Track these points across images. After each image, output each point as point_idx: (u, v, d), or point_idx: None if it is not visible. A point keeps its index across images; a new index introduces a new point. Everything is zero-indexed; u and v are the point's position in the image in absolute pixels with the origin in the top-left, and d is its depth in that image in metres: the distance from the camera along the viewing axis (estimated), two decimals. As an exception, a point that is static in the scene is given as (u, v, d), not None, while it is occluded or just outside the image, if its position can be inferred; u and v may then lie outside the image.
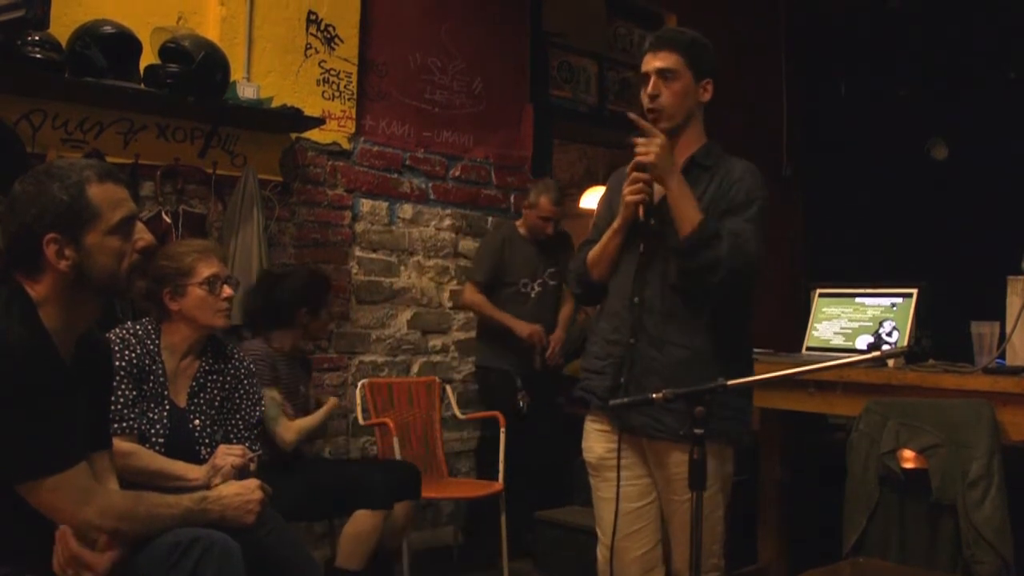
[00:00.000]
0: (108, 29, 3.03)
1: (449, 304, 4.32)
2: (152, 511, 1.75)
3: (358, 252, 3.99)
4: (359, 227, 4.00)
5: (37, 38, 2.86)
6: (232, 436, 2.36)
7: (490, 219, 4.48)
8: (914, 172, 5.31)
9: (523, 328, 3.94)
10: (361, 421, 3.65)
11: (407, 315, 4.16)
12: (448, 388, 4.10)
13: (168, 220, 3.25)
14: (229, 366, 2.43)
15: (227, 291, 2.40)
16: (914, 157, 5.33)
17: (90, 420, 1.74)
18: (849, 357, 1.95)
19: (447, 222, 4.32)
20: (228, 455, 2.20)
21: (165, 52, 3.15)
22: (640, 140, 2.08)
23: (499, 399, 3.94)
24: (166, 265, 2.35)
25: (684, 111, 2.16)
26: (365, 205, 4.02)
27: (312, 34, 3.77)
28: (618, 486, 2.14)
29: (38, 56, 2.86)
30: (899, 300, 3.05)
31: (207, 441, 2.29)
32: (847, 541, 2.58)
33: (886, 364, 2.68)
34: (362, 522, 2.87)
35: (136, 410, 2.20)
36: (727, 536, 2.25)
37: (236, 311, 3.28)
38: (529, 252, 4.07)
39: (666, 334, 2.12)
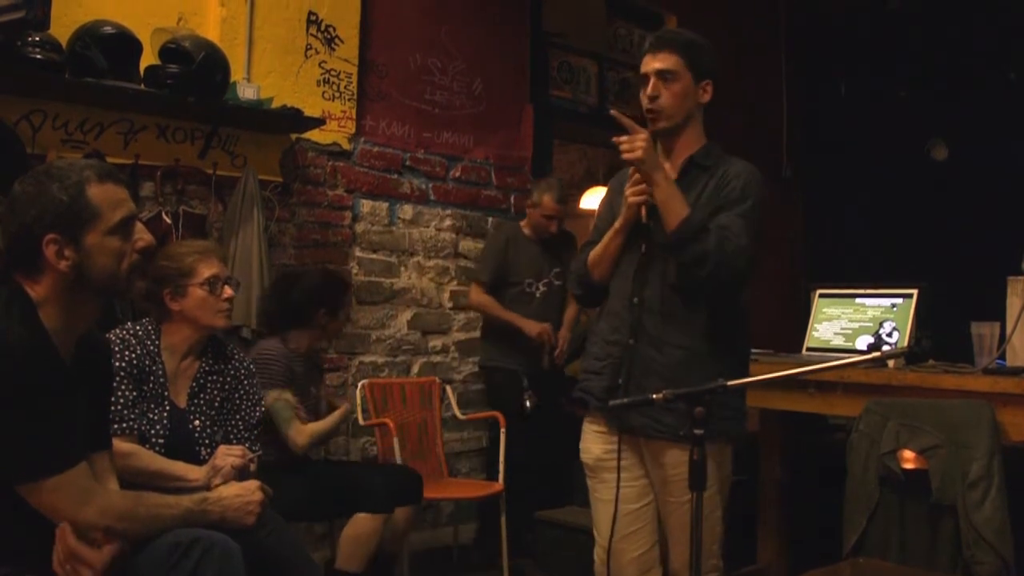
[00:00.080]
0: (108, 30, 3.03)
1: (449, 305, 4.32)
2: (152, 511, 1.75)
3: (358, 253, 3.99)
4: (359, 228, 4.00)
5: (37, 39, 2.86)
6: (232, 437, 2.36)
7: (490, 220, 4.48)
8: (914, 172, 5.31)
9: (532, 327, 3.92)
10: (361, 421, 3.65)
11: (407, 315, 4.16)
12: (448, 388, 4.10)
13: (168, 221, 3.25)
14: (229, 367, 2.43)
15: (228, 291, 2.40)
16: (914, 157, 5.33)
17: (90, 420, 1.74)
18: (849, 358, 1.95)
19: (447, 223, 4.32)
20: (228, 456, 2.20)
21: (165, 53, 3.15)
22: (623, 138, 2.07)
23: (505, 399, 3.93)
24: (167, 266, 2.36)
25: (683, 112, 2.16)
26: (365, 206, 4.02)
27: (312, 35, 3.77)
28: (618, 487, 2.14)
29: (38, 57, 2.87)
30: (899, 301, 3.05)
31: (207, 442, 2.29)
32: (847, 542, 2.58)
33: (886, 365, 2.68)
34: (362, 525, 2.87)
35: (136, 411, 2.20)
36: (726, 536, 2.25)
37: (248, 312, 3.30)
38: (534, 252, 4.06)
39: (665, 334, 2.12)
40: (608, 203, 2.35)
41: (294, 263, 3.71)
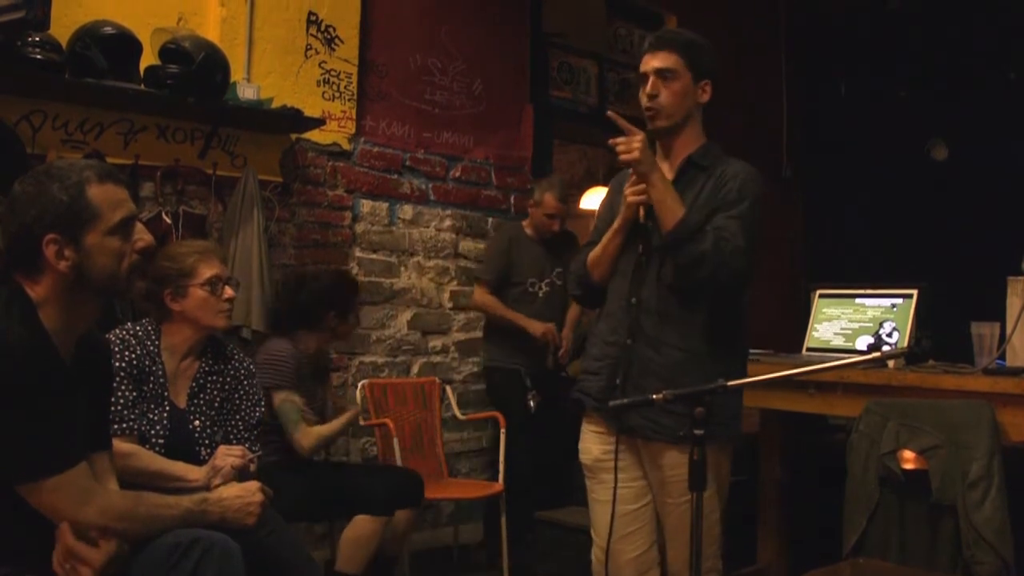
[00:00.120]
0: (108, 30, 3.03)
1: (449, 305, 4.32)
2: (152, 512, 1.75)
3: (358, 253, 3.99)
4: (359, 228, 4.00)
5: (37, 39, 2.86)
6: (232, 437, 2.36)
7: (490, 220, 4.48)
8: (914, 172, 5.31)
9: (537, 327, 3.91)
10: (361, 422, 3.64)
11: (407, 316, 4.16)
12: (448, 389, 4.10)
13: (168, 221, 3.25)
14: (229, 367, 2.43)
15: (228, 292, 2.40)
16: (914, 157, 5.33)
17: (90, 421, 1.74)
18: (849, 358, 1.95)
19: (447, 223, 4.32)
20: (228, 456, 2.20)
21: (165, 53, 3.15)
22: (620, 140, 2.08)
23: (509, 399, 3.92)
24: (167, 266, 2.35)
25: (682, 111, 2.16)
26: (365, 206, 4.02)
27: (312, 35, 3.77)
28: (615, 488, 2.14)
29: (38, 57, 2.87)
30: (899, 301, 3.05)
31: (207, 442, 2.29)
32: (847, 542, 2.58)
33: (886, 365, 2.68)
34: (362, 527, 2.86)
35: (136, 411, 2.20)
36: (726, 537, 2.25)
37: (248, 312, 3.30)
38: (536, 252, 4.04)
39: (663, 335, 2.12)
40: (608, 204, 2.36)
41: (294, 263, 3.71)
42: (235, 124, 3.48)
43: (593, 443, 2.26)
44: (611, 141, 2.09)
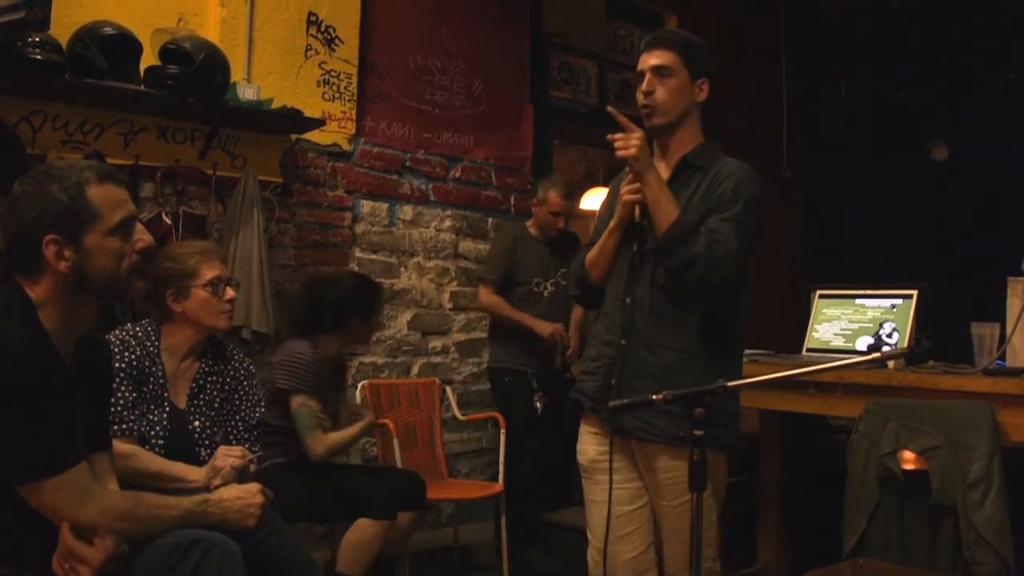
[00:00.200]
0: (108, 30, 3.03)
1: (449, 305, 4.32)
2: (152, 512, 1.75)
3: (358, 253, 3.99)
4: (359, 228, 4.00)
5: (37, 39, 2.86)
6: (232, 437, 2.36)
7: (490, 220, 4.48)
8: (914, 172, 5.32)
9: (545, 328, 3.88)
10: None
11: (407, 316, 4.16)
12: (448, 389, 4.10)
13: (168, 221, 3.25)
14: (229, 367, 2.43)
15: (230, 293, 2.40)
16: (914, 157, 5.33)
17: (90, 421, 1.74)
18: (849, 358, 1.95)
19: (447, 223, 4.32)
20: (228, 456, 2.19)
21: (165, 53, 3.15)
22: (618, 136, 2.08)
23: (515, 400, 3.90)
24: (169, 267, 2.35)
25: (678, 109, 2.16)
26: (365, 206, 4.02)
27: (312, 35, 3.77)
28: (610, 489, 2.14)
29: (38, 57, 2.87)
30: (899, 301, 3.05)
31: (207, 443, 2.29)
32: (847, 542, 2.58)
33: (886, 365, 2.68)
34: (364, 530, 2.85)
35: (136, 412, 2.20)
36: (725, 538, 2.24)
37: (248, 312, 3.30)
38: (541, 252, 4.00)
39: (657, 335, 2.11)
40: (608, 204, 2.35)
41: (294, 264, 3.71)
42: (235, 124, 3.48)
43: (589, 444, 2.25)
44: (609, 136, 2.09)
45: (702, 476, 1.69)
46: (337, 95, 3.85)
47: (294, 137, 3.73)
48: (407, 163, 4.18)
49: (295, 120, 3.51)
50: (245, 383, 2.44)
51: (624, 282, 2.17)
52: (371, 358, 4.01)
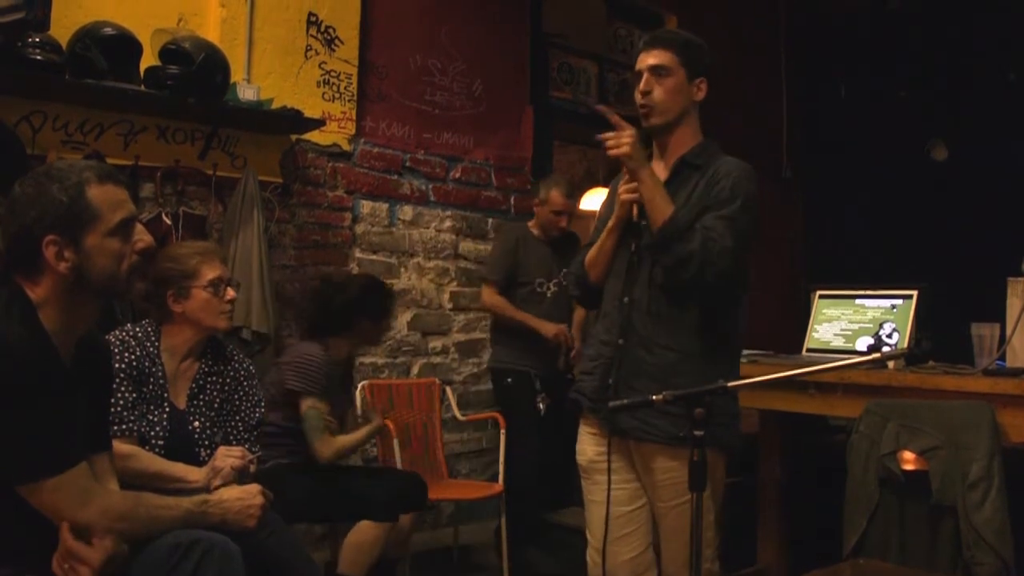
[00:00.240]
0: (108, 31, 3.03)
1: (449, 306, 4.32)
2: (152, 512, 1.75)
3: (358, 254, 3.99)
4: (359, 229, 4.00)
5: (37, 40, 2.86)
6: (232, 438, 2.36)
7: (490, 221, 4.48)
8: (914, 172, 5.31)
9: (549, 328, 3.86)
10: (361, 422, 3.65)
11: (407, 316, 4.16)
12: (448, 389, 4.10)
13: (168, 222, 3.25)
14: (229, 368, 2.43)
15: (230, 293, 2.40)
16: (914, 157, 5.33)
17: (90, 421, 1.74)
18: (849, 359, 1.95)
19: (447, 224, 4.32)
20: (228, 457, 2.19)
21: (165, 54, 3.15)
22: (609, 135, 2.07)
23: (518, 401, 3.89)
24: (170, 267, 2.35)
25: (676, 108, 2.16)
26: (365, 207, 4.02)
27: (312, 36, 3.77)
28: (609, 489, 2.14)
29: (38, 58, 2.87)
30: (899, 302, 3.05)
31: (207, 443, 2.29)
32: (847, 543, 2.58)
33: (886, 366, 2.68)
34: (365, 532, 2.85)
35: (136, 412, 2.20)
36: (725, 538, 2.24)
37: (248, 313, 3.30)
38: (544, 252, 3.99)
39: (655, 335, 2.11)
40: (608, 204, 2.35)
41: (294, 264, 3.71)
42: (235, 125, 3.48)
43: (588, 444, 2.25)
44: (599, 136, 2.09)
45: (702, 476, 1.69)
46: (337, 95, 3.85)
47: (294, 137, 3.73)
48: (407, 163, 4.18)
49: (295, 120, 3.51)
50: (245, 383, 2.44)
51: (622, 282, 2.17)
52: (371, 358, 4.01)
